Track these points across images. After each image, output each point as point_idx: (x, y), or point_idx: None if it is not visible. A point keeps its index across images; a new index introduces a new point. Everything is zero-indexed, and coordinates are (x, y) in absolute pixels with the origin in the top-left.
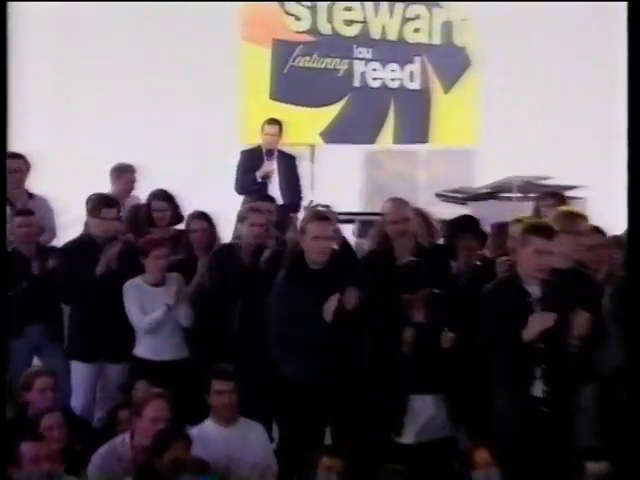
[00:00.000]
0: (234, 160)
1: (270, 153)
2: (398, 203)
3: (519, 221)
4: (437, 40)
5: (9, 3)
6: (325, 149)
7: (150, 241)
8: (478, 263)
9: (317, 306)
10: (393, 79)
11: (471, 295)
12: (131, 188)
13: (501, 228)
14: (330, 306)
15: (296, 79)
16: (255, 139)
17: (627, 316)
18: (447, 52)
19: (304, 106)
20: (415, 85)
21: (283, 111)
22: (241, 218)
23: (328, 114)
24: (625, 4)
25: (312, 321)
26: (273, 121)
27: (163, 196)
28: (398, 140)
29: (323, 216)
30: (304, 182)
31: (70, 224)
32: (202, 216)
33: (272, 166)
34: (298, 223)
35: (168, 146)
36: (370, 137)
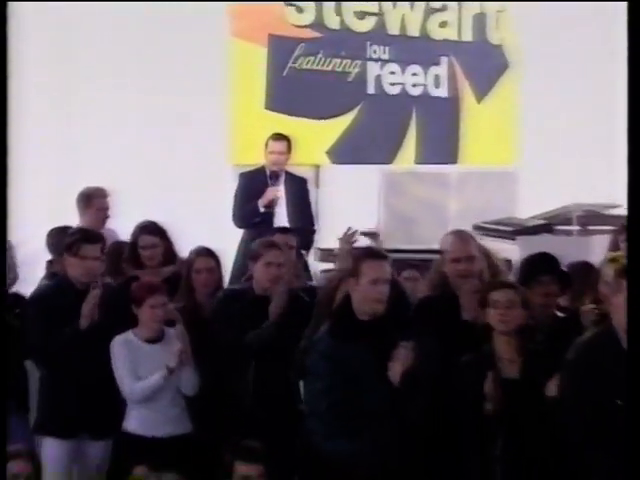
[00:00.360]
0: (223, 184)
1: (276, 176)
2: (461, 237)
3: (613, 261)
4: (468, 36)
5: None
6: (333, 171)
7: (145, 286)
8: (559, 314)
9: (374, 366)
10: (415, 84)
11: (552, 353)
12: (105, 217)
13: (585, 269)
14: (397, 365)
15: (297, 84)
16: (247, 159)
17: (629, 316)
18: (480, 51)
19: (307, 118)
20: (442, 92)
21: (281, 124)
22: (254, 256)
23: (336, 128)
24: (625, 4)
25: (370, 386)
26: (279, 136)
27: (153, 229)
28: (422, 159)
29: (381, 254)
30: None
31: (24, 261)
32: (209, 253)
33: (278, 192)
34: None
35: (142, 168)
36: (388, 156)
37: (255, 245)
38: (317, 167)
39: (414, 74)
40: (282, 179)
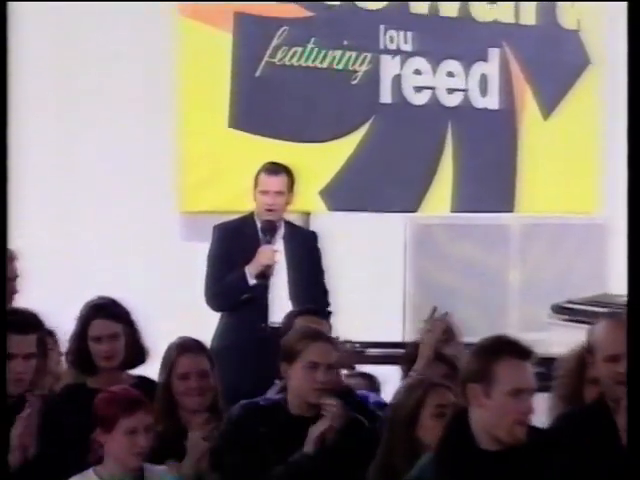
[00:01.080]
0: (170, 242)
1: (272, 228)
2: (617, 326)
3: None
4: (530, 18)
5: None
6: (330, 221)
7: (119, 400)
8: None
9: None
10: (451, 90)
11: None
12: (11, 292)
13: None
14: None
15: (276, 90)
16: (203, 203)
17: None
18: (548, 40)
19: (290, 141)
20: (491, 101)
21: (252, 149)
22: (290, 354)
23: (334, 156)
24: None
25: None
26: (277, 168)
27: (112, 312)
28: (462, 205)
29: (526, 350)
30: None
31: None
32: (198, 349)
33: (274, 254)
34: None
35: (52, 218)
36: (412, 199)
37: (292, 338)
38: (307, 215)
39: (450, 74)
40: (280, 233)
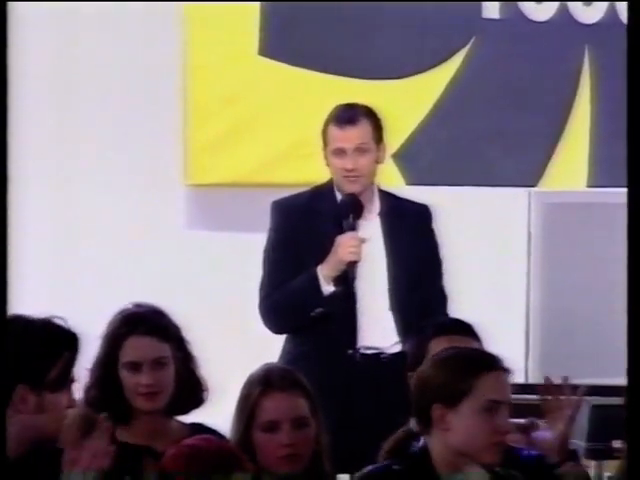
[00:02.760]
0: (175, 233)
1: (354, 204)
2: None
3: None
4: None
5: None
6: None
7: (203, 457)
8: None
9: None
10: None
11: None
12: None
13: None
14: None
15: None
16: (225, 173)
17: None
18: None
19: (349, 76)
20: None
21: (295, 86)
22: (453, 393)
23: (415, 100)
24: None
25: None
26: (352, 113)
27: (153, 324)
28: (605, 175)
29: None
30: None
31: None
32: (290, 384)
33: (359, 246)
34: None
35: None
36: (531, 167)
37: (452, 368)
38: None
39: None
40: (375, 209)
